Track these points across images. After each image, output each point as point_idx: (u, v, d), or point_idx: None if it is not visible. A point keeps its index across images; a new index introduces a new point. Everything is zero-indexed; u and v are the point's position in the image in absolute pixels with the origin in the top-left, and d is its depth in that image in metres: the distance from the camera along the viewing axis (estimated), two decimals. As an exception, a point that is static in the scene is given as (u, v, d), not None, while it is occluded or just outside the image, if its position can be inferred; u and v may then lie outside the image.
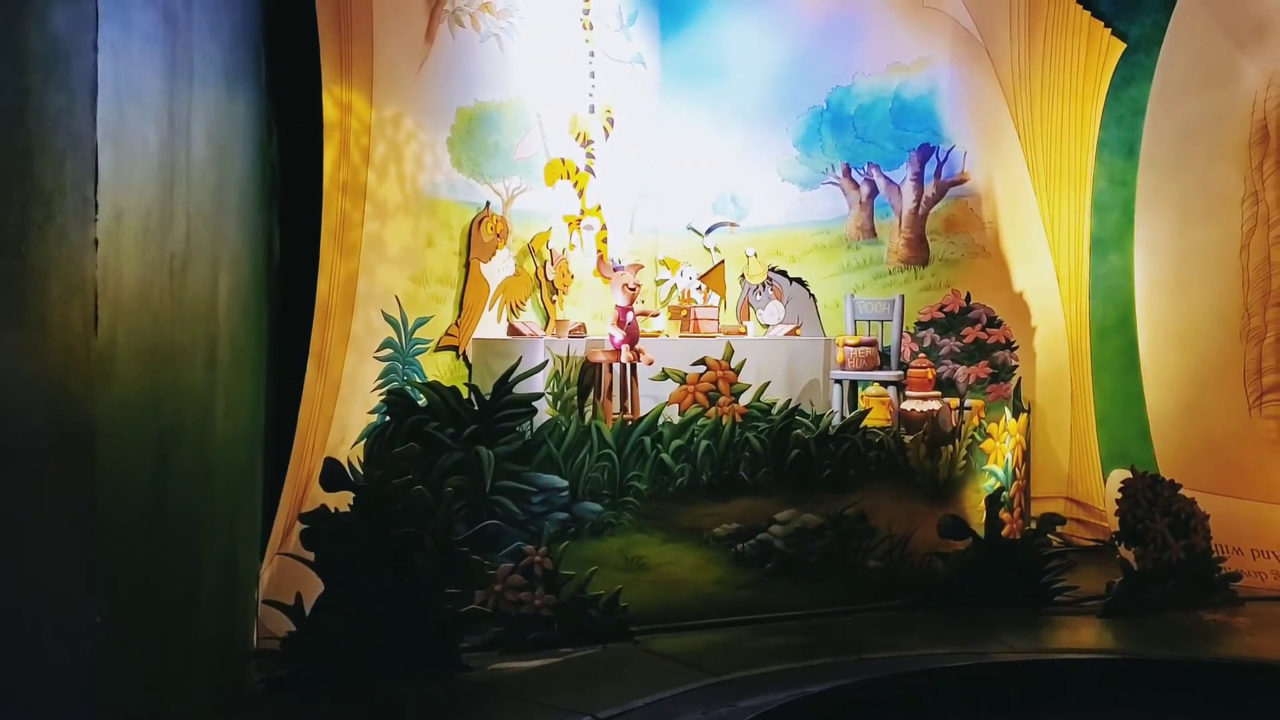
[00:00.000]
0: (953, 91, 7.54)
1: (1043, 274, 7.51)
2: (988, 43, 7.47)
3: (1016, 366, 7.24)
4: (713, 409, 5.78)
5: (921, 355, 6.94)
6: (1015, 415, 6.74)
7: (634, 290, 5.85)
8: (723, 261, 7.49)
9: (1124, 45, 7.20)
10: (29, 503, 2.25)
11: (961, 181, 7.53)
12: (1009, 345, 7.25)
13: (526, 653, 4.81)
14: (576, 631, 4.96)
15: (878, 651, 4.97)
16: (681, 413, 5.79)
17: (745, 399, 5.90)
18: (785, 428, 5.84)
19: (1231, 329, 6.56)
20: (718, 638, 5.15)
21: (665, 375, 5.92)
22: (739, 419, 5.77)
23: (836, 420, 6.17)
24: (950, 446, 6.15)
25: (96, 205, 2.32)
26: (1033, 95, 7.48)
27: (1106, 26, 7.28)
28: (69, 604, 2.36)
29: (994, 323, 7.25)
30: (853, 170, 7.63)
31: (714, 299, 7.28)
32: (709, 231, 7.55)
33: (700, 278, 7.34)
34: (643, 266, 6.23)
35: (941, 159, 7.54)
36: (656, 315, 6.51)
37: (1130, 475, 6.02)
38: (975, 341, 7.23)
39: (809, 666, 4.74)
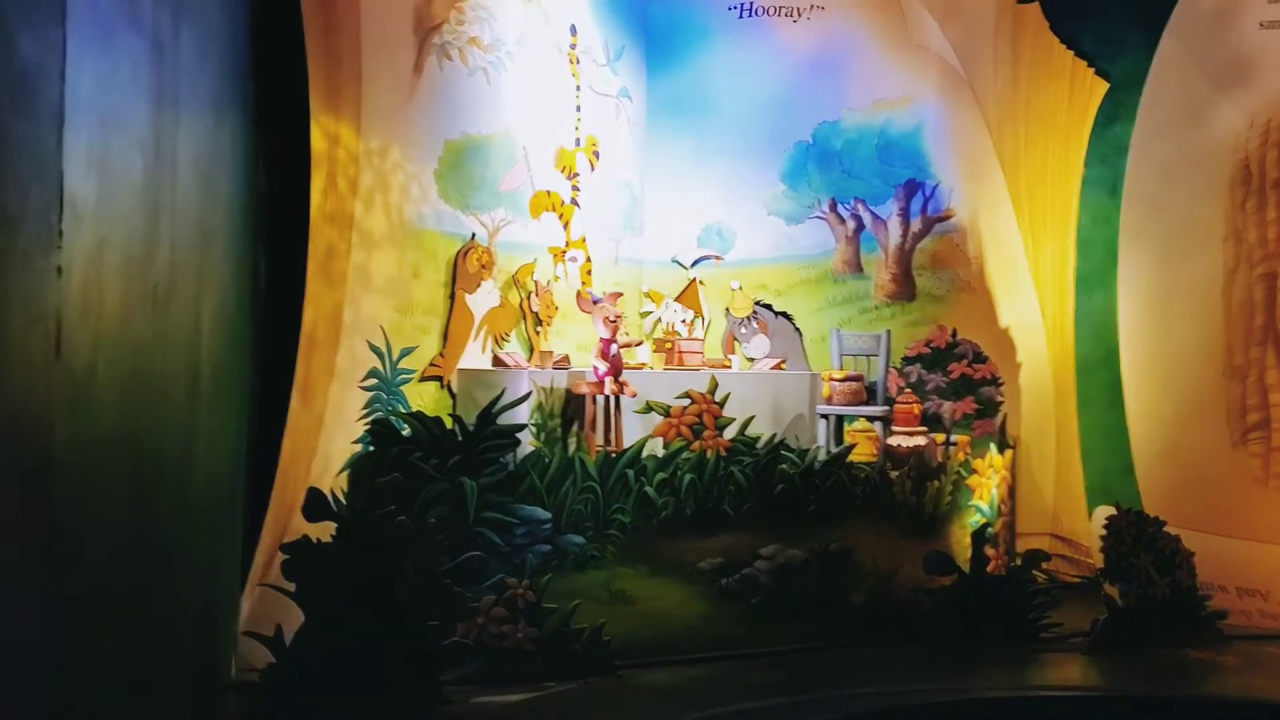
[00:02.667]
0: (938, 128, 7.58)
1: (1028, 310, 7.54)
2: (973, 80, 7.54)
3: (1002, 402, 7.26)
4: (697, 442, 5.77)
5: (908, 390, 6.95)
6: (1001, 451, 6.76)
7: (615, 322, 5.85)
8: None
9: (1107, 84, 7.27)
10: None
11: (947, 218, 7.56)
12: (994, 381, 7.27)
13: (508, 686, 4.76)
14: (559, 665, 4.92)
15: (862, 687, 4.94)
16: (666, 446, 5.78)
17: (730, 433, 5.89)
18: (770, 462, 5.84)
19: (1215, 366, 6.59)
20: (701, 672, 5.11)
21: (649, 408, 5.90)
22: (723, 453, 5.77)
23: (822, 455, 6.17)
24: (936, 482, 6.16)
25: (60, 233, 2.30)
26: (1018, 133, 7.54)
27: (1090, 66, 7.35)
28: (26, 635, 2.32)
29: (980, 358, 7.28)
30: (839, 205, 7.66)
31: (699, 331, 7.28)
32: (694, 264, 7.54)
33: (676, 299, 7.36)
34: (622, 294, 6.22)
35: (928, 195, 7.57)
36: (640, 344, 6.50)
37: (1115, 512, 6.03)
38: (961, 377, 7.25)
39: (793, 702, 4.71)
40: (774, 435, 5.97)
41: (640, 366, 6.48)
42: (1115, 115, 7.23)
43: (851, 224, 7.64)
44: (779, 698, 4.77)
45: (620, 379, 5.85)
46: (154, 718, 3.34)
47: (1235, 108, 6.57)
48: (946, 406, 7.17)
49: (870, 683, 5.03)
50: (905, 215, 7.57)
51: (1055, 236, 7.51)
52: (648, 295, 7.42)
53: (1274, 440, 6.40)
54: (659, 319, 7.26)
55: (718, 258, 7.60)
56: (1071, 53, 7.41)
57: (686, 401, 5.89)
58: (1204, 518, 6.41)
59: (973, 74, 7.54)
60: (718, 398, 5.95)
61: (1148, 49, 6.97)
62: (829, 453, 6.37)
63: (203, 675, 4.09)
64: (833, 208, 7.65)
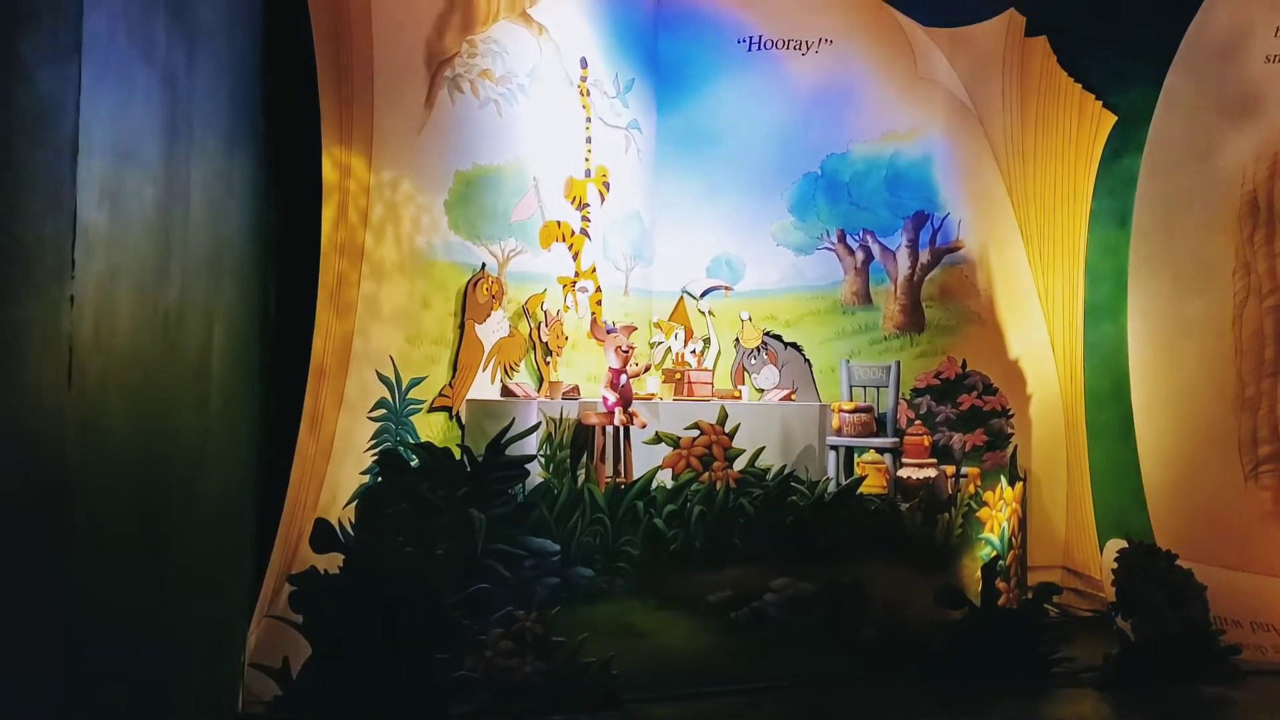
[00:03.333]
0: (947, 160, 7.61)
1: (1037, 342, 7.54)
2: (981, 113, 7.57)
3: (1012, 434, 7.22)
4: (706, 474, 5.75)
5: (918, 422, 6.92)
6: (1011, 483, 6.71)
7: (627, 353, 5.85)
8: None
9: (1115, 117, 7.29)
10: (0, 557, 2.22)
11: (956, 249, 7.58)
12: (1005, 413, 7.23)
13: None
14: (567, 699, 4.88)
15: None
16: (675, 477, 5.76)
17: (740, 464, 5.86)
18: (780, 494, 5.80)
19: (1226, 399, 6.56)
20: (710, 707, 5.09)
21: (659, 439, 5.89)
22: (733, 484, 5.74)
23: (832, 487, 6.14)
24: (946, 514, 6.12)
25: (74, 262, 2.32)
26: (1026, 165, 7.57)
27: (1098, 99, 7.38)
28: (34, 660, 2.32)
29: (990, 390, 7.24)
30: (848, 236, 7.68)
31: (708, 361, 7.28)
32: (704, 295, 7.56)
33: (669, 319, 7.39)
34: (635, 328, 6.22)
35: (936, 226, 7.59)
36: (647, 369, 6.48)
37: (1126, 545, 5.99)
38: (971, 409, 7.21)
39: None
40: (784, 467, 5.95)
41: (649, 397, 6.48)
42: (1123, 148, 7.24)
43: (860, 255, 7.65)
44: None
45: (630, 409, 5.84)
46: (160, 750, 3.32)
47: (1243, 140, 6.57)
48: (956, 438, 7.13)
49: (880, 717, 4.99)
50: (914, 247, 7.59)
51: (1064, 268, 7.51)
52: (657, 325, 7.43)
53: (1286, 473, 6.35)
54: (669, 349, 7.25)
55: (727, 288, 7.61)
56: (1079, 86, 7.44)
57: (696, 433, 5.87)
58: (1217, 551, 6.36)
59: (981, 107, 7.58)
60: (727, 428, 5.94)
61: (1155, 82, 6.98)
62: (839, 485, 6.34)
63: (209, 706, 4.07)
64: (841, 239, 7.68)
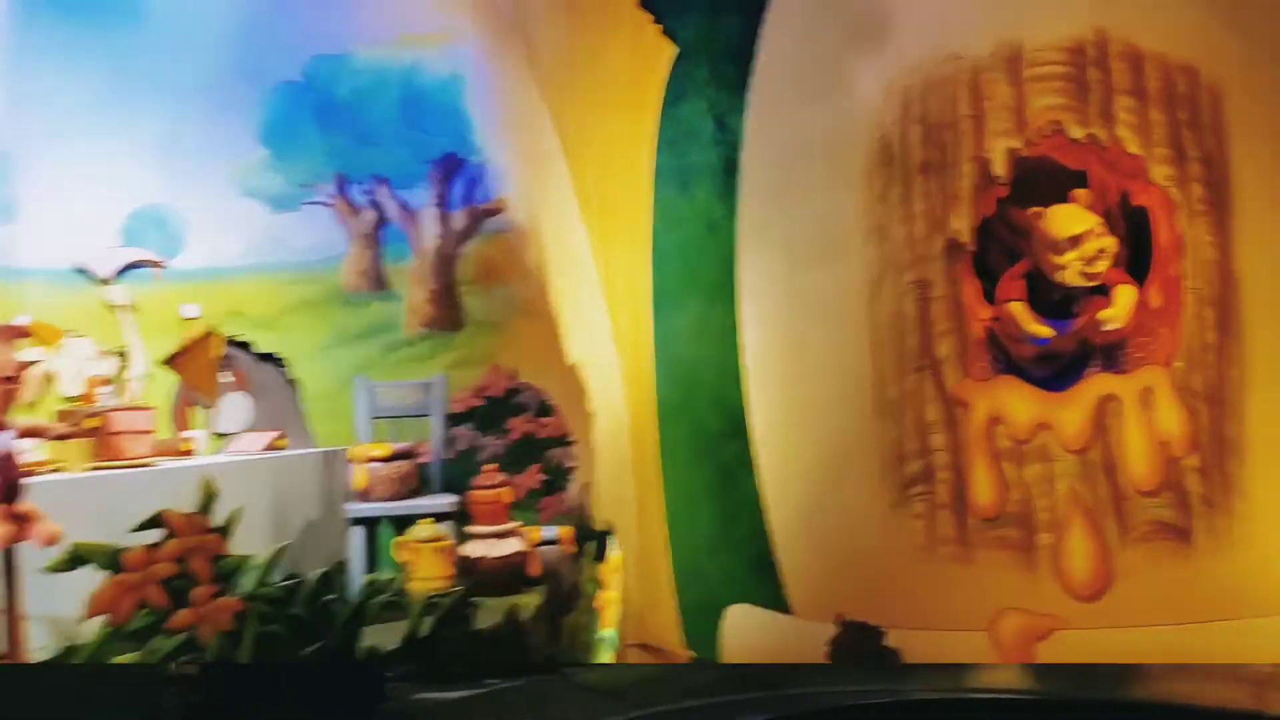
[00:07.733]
0: (482, 83, 5.59)
1: (601, 338, 5.79)
2: (521, 20, 5.66)
3: (573, 469, 5.36)
4: (183, 613, 3.02)
5: (490, 466, 4.75)
6: (599, 544, 4.82)
7: (9, 384, 2.85)
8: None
9: (676, 48, 5.68)
10: None
11: (498, 210, 5.66)
12: (564, 441, 5.39)
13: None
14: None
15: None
16: (116, 628, 2.95)
17: (250, 582, 3.22)
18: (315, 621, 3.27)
19: (862, 402, 5.14)
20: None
21: (76, 559, 3.00)
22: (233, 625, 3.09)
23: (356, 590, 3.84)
24: (571, 615, 4.03)
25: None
26: (577, 102, 5.89)
27: (656, 22, 5.74)
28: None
29: (545, 410, 5.37)
30: (350, 185, 5.64)
31: (135, 387, 4.44)
32: (120, 275, 4.92)
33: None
34: (30, 332, 3.31)
35: (474, 176, 5.58)
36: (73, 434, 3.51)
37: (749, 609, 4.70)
38: (523, 438, 5.33)
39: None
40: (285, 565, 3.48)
41: (41, 468, 3.48)
42: (684, 91, 5.64)
43: (370, 215, 5.76)
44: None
45: (20, 506, 2.83)
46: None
47: (869, 73, 5.24)
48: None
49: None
50: (444, 204, 5.68)
51: (628, 240, 5.82)
52: (32, 331, 4.42)
53: (939, 496, 5.08)
54: (55, 373, 4.32)
55: (157, 264, 5.01)
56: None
57: (158, 534, 3.11)
58: (865, 605, 4.97)
59: (519, 9, 5.66)
60: (213, 513, 3.25)
61: (737, 5, 5.47)
62: (371, 586, 4.00)
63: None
64: (341, 189, 5.66)
